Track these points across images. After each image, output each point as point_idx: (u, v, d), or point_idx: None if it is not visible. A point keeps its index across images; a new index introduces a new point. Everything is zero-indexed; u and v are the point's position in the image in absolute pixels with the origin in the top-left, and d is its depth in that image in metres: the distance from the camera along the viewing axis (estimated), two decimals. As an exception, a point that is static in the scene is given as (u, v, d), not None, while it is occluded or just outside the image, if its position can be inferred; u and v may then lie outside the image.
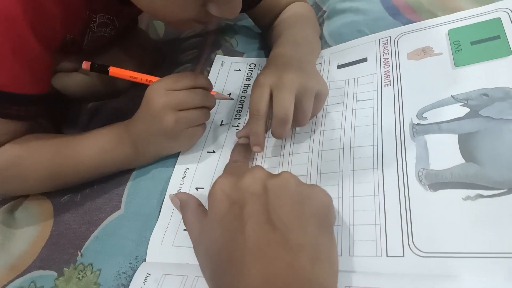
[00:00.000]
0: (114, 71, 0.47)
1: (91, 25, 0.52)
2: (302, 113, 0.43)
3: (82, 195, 0.52)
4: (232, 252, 0.29)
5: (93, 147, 0.48)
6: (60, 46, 0.49)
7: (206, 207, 0.36)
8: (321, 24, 0.61)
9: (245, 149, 0.46)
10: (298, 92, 0.42)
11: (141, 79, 0.47)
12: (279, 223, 0.29)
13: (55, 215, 0.51)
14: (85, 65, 0.46)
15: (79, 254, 0.45)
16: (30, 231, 0.51)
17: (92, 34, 0.53)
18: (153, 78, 0.46)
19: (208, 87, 0.47)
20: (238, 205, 0.31)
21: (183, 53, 0.69)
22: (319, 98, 0.45)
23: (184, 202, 0.39)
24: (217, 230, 0.32)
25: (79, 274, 0.43)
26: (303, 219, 0.30)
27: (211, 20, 0.45)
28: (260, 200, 0.31)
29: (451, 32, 0.47)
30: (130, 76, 0.47)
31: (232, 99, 0.51)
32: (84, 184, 0.53)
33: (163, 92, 0.43)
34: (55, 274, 0.45)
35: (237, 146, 0.48)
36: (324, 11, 0.63)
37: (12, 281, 0.46)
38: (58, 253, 0.47)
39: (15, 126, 0.47)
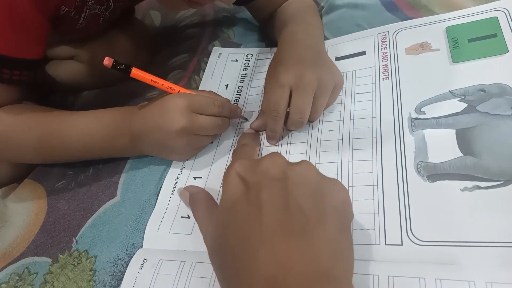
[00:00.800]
0: (136, 72, 0.43)
1: (89, 2, 0.52)
2: (315, 110, 0.44)
3: (77, 182, 0.51)
4: (247, 237, 0.28)
5: (86, 130, 0.47)
6: (54, 18, 0.48)
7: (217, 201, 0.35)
8: (319, 19, 0.62)
9: (253, 135, 0.47)
10: (316, 91, 0.42)
11: (162, 85, 0.44)
12: (298, 212, 0.27)
13: (49, 202, 0.51)
14: (108, 61, 0.41)
15: (74, 241, 0.45)
16: (23, 218, 0.51)
17: (89, 11, 0.53)
18: (175, 87, 0.45)
19: (231, 117, 0.46)
20: (255, 189, 0.29)
21: (180, 44, 0.69)
22: (335, 90, 0.45)
23: (194, 195, 0.38)
24: (231, 215, 0.30)
25: (74, 260, 0.43)
26: (323, 212, 0.28)
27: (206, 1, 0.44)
28: (278, 185, 0.29)
29: (449, 29, 0.48)
30: (152, 80, 0.44)
31: (246, 119, 0.50)
32: (78, 171, 0.53)
33: (186, 113, 0.41)
34: (50, 260, 0.44)
35: (245, 133, 0.48)
36: (322, 7, 0.63)
37: (5, 267, 0.46)
38: (53, 240, 0.46)
39: (8, 91, 0.47)
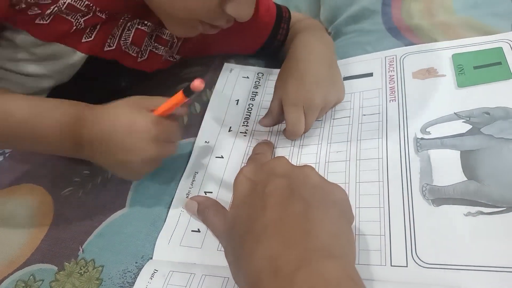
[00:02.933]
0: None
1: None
2: None
3: (85, 190, 0.52)
4: (254, 223, 0.30)
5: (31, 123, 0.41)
6: None
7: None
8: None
9: (267, 145, 0.49)
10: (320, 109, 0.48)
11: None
12: (301, 200, 0.30)
13: (55, 208, 0.51)
14: None
15: (81, 249, 0.45)
16: (28, 223, 0.51)
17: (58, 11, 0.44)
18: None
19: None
20: (261, 185, 0.32)
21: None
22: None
23: (203, 203, 0.40)
24: (240, 209, 0.33)
25: (81, 269, 0.43)
26: (324, 202, 0.31)
27: (220, 24, 0.46)
28: (283, 181, 0.32)
29: (455, 57, 0.49)
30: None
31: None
32: (86, 179, 0.53)
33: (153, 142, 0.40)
34: (55, 268, 0.44)
35: (259, 143, 0.50)
36: (329, 32, 0.65)
37: (11, 274, 0.46)
38: (59, 247, 0.46)
39: None
